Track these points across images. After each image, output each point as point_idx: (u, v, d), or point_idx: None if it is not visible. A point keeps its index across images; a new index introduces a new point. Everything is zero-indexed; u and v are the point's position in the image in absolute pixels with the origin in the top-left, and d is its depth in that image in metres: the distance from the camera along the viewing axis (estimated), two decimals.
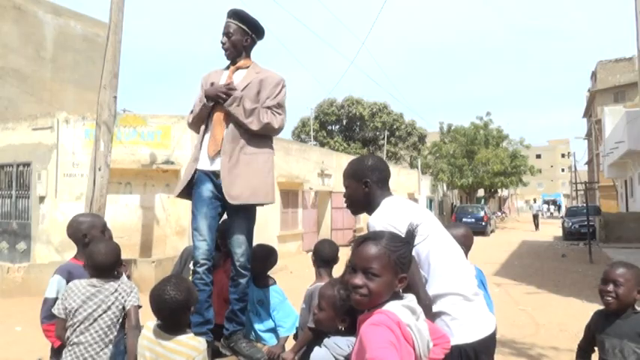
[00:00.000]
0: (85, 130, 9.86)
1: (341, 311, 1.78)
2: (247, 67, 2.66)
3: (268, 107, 2.58)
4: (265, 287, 2.69)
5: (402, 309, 1.40)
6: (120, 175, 9.84)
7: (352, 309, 1.59)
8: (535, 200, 30.01)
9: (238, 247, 2.53)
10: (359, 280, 1.42)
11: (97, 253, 2.24)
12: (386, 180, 1.96)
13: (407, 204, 1.90)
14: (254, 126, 2.55)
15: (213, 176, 2.55)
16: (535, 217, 28.01)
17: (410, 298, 1.46)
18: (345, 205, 2.05)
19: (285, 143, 14.55)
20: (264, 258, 2.70)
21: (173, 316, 1.90)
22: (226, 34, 2.64)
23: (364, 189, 1.92)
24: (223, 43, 2.64)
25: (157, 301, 1.90)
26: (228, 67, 2.71)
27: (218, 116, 2.56)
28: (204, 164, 2.55)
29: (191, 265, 2.67)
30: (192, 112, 2.68)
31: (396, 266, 1.43)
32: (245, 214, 2.58)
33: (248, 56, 2.70)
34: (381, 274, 1.41)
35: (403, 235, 1.50)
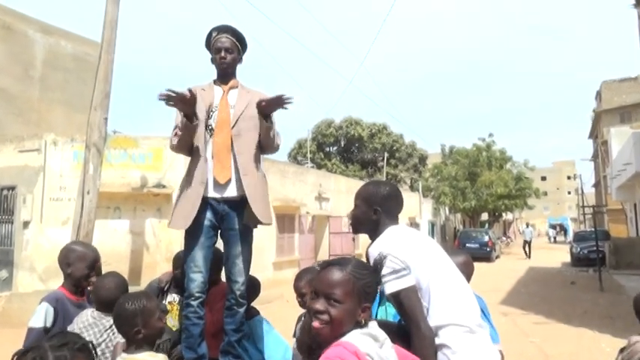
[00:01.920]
0: (74, 152, 9.88)
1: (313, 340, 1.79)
2: (237, 87, 2.72)
3: None
4: (250, 319, 2.68)
5: (362, 337, 1.38)
6: (109, 199, 9.82)
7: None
8: (527, 225, 29.51)
9: (240, 275, 2.54)
10: (320, 305, 1.41)
11: (101, 287, 2.27)
12: (397, 211, 1.97)
13: (408, 233, 1.90)
14: (275, 147, 2.71)
15: (224, 204, 2.57)
16: (526, 243, 25.98)
17: (372, 325, 1.44)
18: (349, 222, 2.09)
19: (281, 166, 14.58)
20: (248, 289, 2.69)
21: (120, 328, 1.93)
22: (227, 49, 2.68)
23: (372, 215, 1.93)
24: (224, 59, 2.67)
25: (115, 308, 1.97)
26: (216, 84, 2.73)
27: (224, 140, 2.57)
28: (213, 191, 2.56)
29: (171, 298, 2.68)
30: (176, 133, 2.60)
31: (359, 294, 1.42)
32: (247, 240, 2.61)
33: (235, 76, 2.77)
34: (343, 300, 1.40)
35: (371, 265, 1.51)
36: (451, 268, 1.85)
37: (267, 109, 2.55)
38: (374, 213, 1.91)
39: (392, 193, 1.95)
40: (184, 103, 2.44)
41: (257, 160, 2.64)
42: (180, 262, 2.70)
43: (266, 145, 2.67)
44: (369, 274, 1.46)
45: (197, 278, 2.49)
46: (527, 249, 25.81)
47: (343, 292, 1.41)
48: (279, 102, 2.51)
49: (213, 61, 2.73)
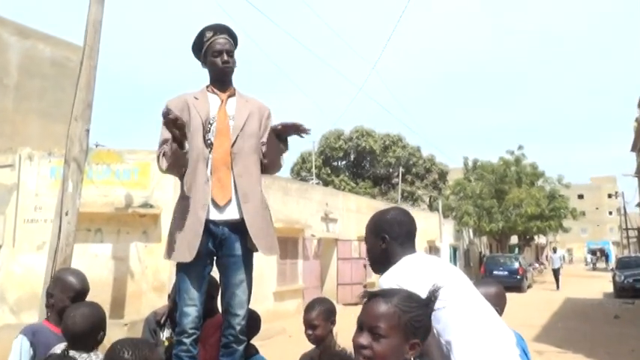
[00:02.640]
0: (51, 168, 9.97)
1: None
2: (234, 94, 2.76)
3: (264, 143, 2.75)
4: (249, 358, 2.68)
5: None
6: (90, 221, 9.86)
7: None
8: (555, 250, 29.02)
9: (240, 308, 2.54)
10: (364, 339, 1.44)
11: (67, 317, 2.20)
12: (408, 236, 1.99)
13: (427, 262, 1.90)
14: (279, 168, 2.83)
15: (223, 227, 2.59)
16: (555, 272, 25.23)
17: None
18: (366, 260, 2.11)
19: (282, 182, 14.63)
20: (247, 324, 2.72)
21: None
22: (228, 52, 2.72)
23: (381, 245, 1.95)
24: (227, 63, 2.71)
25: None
26: (210, 91, 2.75)
27: (223, 157, 2.60)
28: (214, 213, 2.58)
29: (162, 335, 2.70)
30: (164, 153, 2.61)
31: (406, 329, 1.44)
32: (249, 268, 2.63)
33: (232, 82, 2.82)
34: (388, 335, 1.43)
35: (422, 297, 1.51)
36: (478, 299, 1.82)
37: (283, 133, 2.64)
38: (382, 241, 1.94)
39: (396, 216, 1.99)
40: (176, 126, 2.45)
41: (258, 184, 2.68)
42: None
43: (272, 166, 2.76)
44: (417, 307, 1.48)
45: (191, 312, 2.48)
46: (556, 278, 25.09)
47: (388, 326, 1.43)
48: (296, 129, 2.60)
49: (208, 64, 2.74)
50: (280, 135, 2.65)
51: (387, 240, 1.94)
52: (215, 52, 2.70)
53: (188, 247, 2.51)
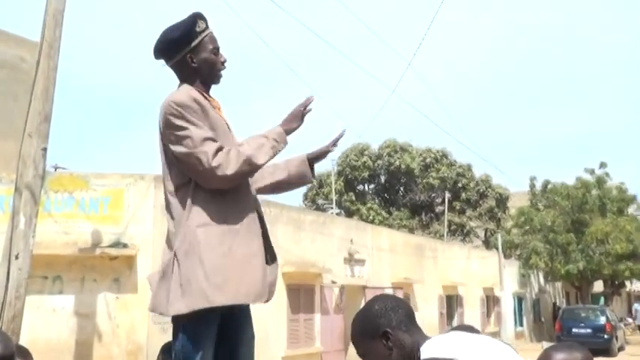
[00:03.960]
0: None
1: None
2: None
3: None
4: None
5: None
6: (46, 266, 9.86)
7: None
8: None
9: None
10: None
11: None
12: (409, 319, 2.03)
13: (466, 342, 1.95)
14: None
15: None
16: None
17: None
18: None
19: (293, 213, 14.61)
20: None
21: None
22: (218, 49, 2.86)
23: (387, 344, 1.96)
24: (224, 63, 2.86)
25: None
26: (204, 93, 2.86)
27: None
28: None
29: None
30: (268, 145, 2.76)
31: None
32: (252, 332, 2.73)
33: None
34: None
35: None
36: None
37: (319, 158, 2.99)
38: (386, 339, 1.96)
39: (385, 303, 2.04)
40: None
41: None
42: None
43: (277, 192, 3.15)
44: None
45: None
46: None
47: None
48: (330, 148, 2.98)
49: (200, 62, 2.77)
50: (313, 162, 2.98)
51: (390, 334, 1.95)
52: (215, 48, 2.78)
53: (254, 283, 2.60)
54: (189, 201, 2.60)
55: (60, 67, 8.12)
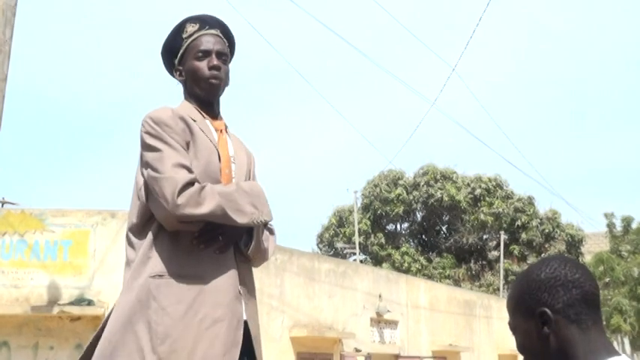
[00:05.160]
0: None
1: None
2: (225, 126, 3.04)
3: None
4: None
5: None
6: None
7: None
8: None
9: None
10: None
11: None
12: (590, 304, 1.86)
13: None
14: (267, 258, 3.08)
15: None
16: None
17: None
18: None
19: (305, 260, 14.57)
20: None
21: None
22: (219, 54, 2.92)
23: (542, 331, 1.84)
24: (217, 70, 2.89)
25: None
26: (203, 114, 2.94)
27: None
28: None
29: None
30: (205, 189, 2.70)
31: None
32: None
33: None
34: None
35: None
36: None
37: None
38: (542, 324, 1.84)
39: (559, 273, 1.89)
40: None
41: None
42: None
43: (257, 252, 2.94)
44: None
45: None
46: None
47: None
48: None
49: (187, 73, 2.93)
50: None
51: (549, 317, 1.83)
52: (200, 51, 2.87)
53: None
54: (149, 240, 2.68)
55: (11, 77, 8.22)
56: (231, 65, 3.04)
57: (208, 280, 2.65)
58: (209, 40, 2.90)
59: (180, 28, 2.94)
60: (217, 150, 2.85)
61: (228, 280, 2.70)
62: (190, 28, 2.92)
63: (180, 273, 2.64)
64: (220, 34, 2.97)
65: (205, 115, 2.91)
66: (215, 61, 2.86)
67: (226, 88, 3.00)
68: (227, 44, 3.00)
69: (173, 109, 2.83)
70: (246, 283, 2.81)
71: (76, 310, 10.23)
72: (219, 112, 3.00)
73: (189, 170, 2.66)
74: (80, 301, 10.26)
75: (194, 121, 2.83)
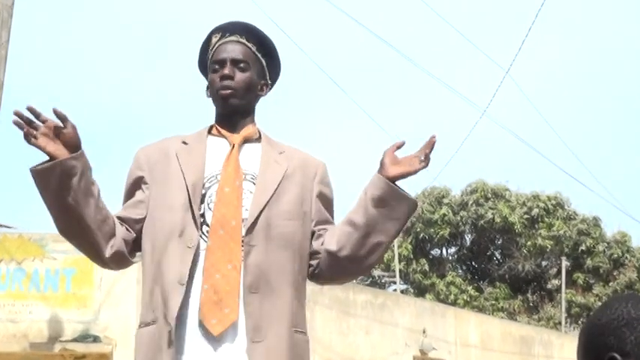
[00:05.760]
0: None
1: None
2: (256, 138, 2.90)
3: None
4: None
5: None
6: None
7: None
8: None
9: None
10: None
11: None
12: None
13: None
14: (365, 270, 3.08)
15: None
16: None
17: None
18: None
19: (338, 291, 14.63)
20: None
21: None
22: (235, 62, 2.83)
23: None
24: (229, 79, 2.81)
25: None
26: (215, 132, 2.91)
27: (225, 247, 2.78)
28: (200, 351, 2.74)
29: None
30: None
31: None
32: None
33: (253, 118, 3.00)
34: None
35: None
36: None
37: (406, 170, 2.72)
38: None
39: (631, 314, 1.93)
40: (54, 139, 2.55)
41: (290, 307, 2.69)
42: None
43: (358, 262, 2.80)
44: None
45: None
46: None
47: None
48: (419, 162, 2.70)
49: (210, 89, 2.92)
50: (394, 178, 2.70)
51: None
52: (215, 62, 2.86)
53: None
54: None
55: (7, 84, 8.98)
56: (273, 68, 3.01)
57: (158, 321, 2.59)
58: (225, 49, 2.87)
59: (206, 42, 2.96)
60: (195, 173, 2.74)
61: (168, 318, 2.56)
62: (214, 39, 2.93)
63: (147, 322, 2.62)
64: (243, 40, 2.90)
65: (222, 131, 2.86)
66: (226, 70, 2.81)
67: (263, 99, 2.99)
68: (253, 49, 2.90)
69: (166, 140, 2.89)
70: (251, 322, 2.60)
71: (80, 348, 10.26)
72: (244, 124, 2.89)
73: (126, 206, 2.76)
74: (85, 337, 10.30)
75: (185, 144, 2.83)
